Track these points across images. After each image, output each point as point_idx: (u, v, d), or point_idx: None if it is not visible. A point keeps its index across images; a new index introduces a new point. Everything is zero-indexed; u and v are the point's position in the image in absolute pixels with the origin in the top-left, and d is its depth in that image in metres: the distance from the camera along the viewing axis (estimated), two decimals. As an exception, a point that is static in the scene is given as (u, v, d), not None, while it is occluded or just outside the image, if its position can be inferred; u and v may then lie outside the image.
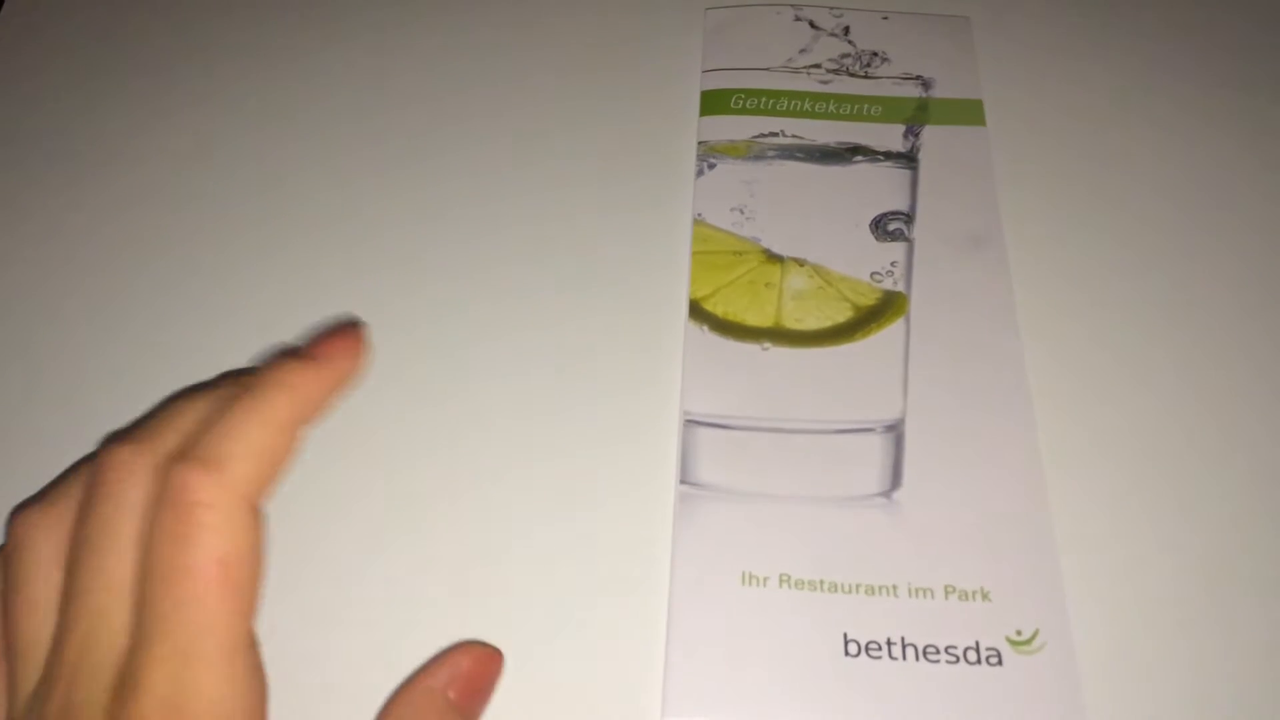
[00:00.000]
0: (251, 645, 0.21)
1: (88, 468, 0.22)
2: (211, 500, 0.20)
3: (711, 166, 0.37)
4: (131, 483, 0.21)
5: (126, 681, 0.20)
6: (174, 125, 0.39)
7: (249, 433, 0.22)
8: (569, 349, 0.33)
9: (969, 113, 0.38)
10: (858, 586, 0.28)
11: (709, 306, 0.34)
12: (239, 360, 0.33)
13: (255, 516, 0.21)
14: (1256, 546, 0.29)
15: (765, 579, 0.28)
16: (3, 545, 0.23)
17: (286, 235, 0.36)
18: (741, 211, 0.36)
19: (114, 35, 0.41)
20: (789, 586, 0.28)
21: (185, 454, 0.21)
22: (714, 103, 0.39)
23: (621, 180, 0.37)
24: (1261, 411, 0.32)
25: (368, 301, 0.34)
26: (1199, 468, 0.31)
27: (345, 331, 0.24)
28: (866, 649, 0.27)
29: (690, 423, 0.31)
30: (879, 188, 0.36)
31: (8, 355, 0.33)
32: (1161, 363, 0.33)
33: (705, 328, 0.33)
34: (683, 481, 0.30)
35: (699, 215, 0.36)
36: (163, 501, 0.21)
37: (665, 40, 0.41)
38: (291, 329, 0.33)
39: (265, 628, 0.22)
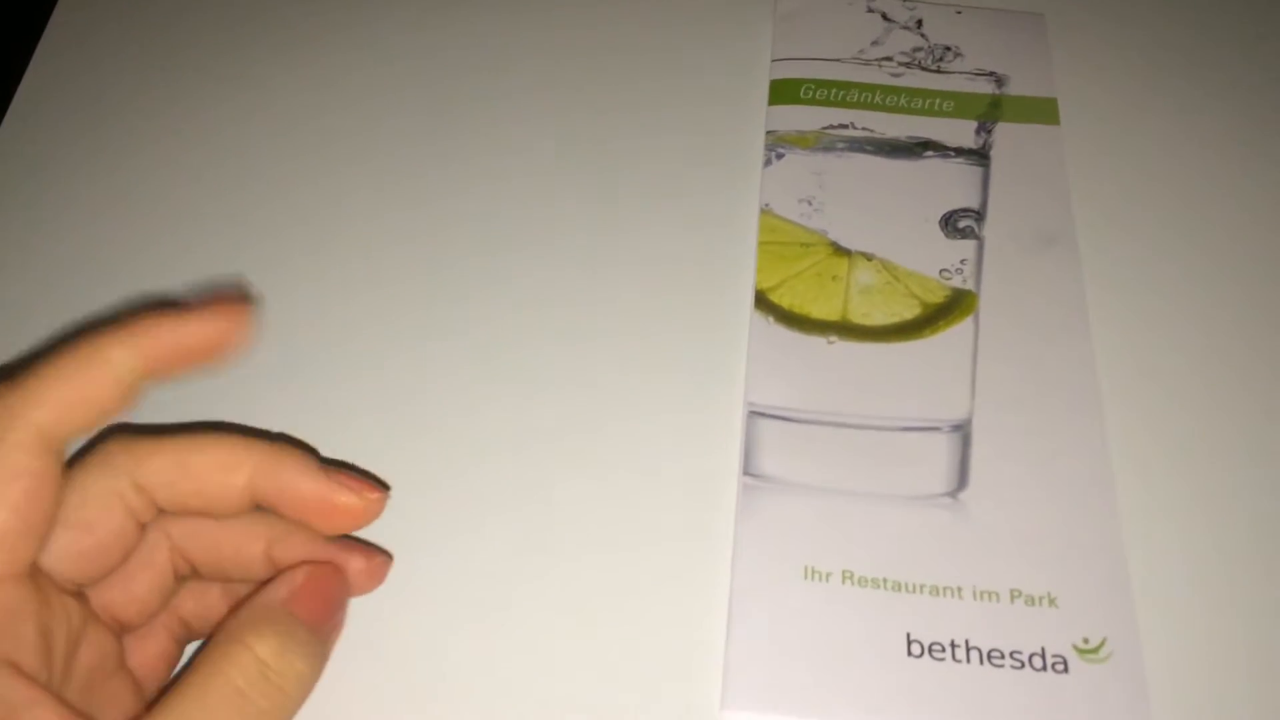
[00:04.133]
0: None
1: None
2: None
3: (780, 156, 0.37)
4: None
5: None
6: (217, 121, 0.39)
7: (62, 368, 0.21)
8: (635, 337, 0.33)
9: (1043, 111, 0.38)
10: (922, 586, 0.28)
11: (775, 298, 0.33)
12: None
13: (40, 451, 0.21)
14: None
15: (828, 574, 0.28)
16: None
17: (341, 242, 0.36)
18: (809, 203, 0.35)
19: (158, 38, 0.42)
20: (852, 583, 0.28)
21: None
22: (783, 92, 0.38)
23: (689, 168, 0.37)
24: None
25: (437, 295, 0.34)
26: (1272, 475, 0.30)
27: (227, 296, 0.23)
28: (930, 650, 0.27)
29: (754, 414, 0.31)
30: (949, 184, 0.36)
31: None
32: (1234, 367, 0.32)
33: (771, 319, 0.33)
34: (746, 473, 0.30)
35: (766, 205, 0.35)
36: None
37: (735, 28, 0.41)
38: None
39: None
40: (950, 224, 0.35)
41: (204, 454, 0.23)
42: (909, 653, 0.27)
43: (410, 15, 0.41)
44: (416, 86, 0.39)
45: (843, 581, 0.28)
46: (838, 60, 0.39)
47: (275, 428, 0.31)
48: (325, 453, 0.30)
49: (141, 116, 0.38)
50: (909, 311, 0.33)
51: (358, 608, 0.25)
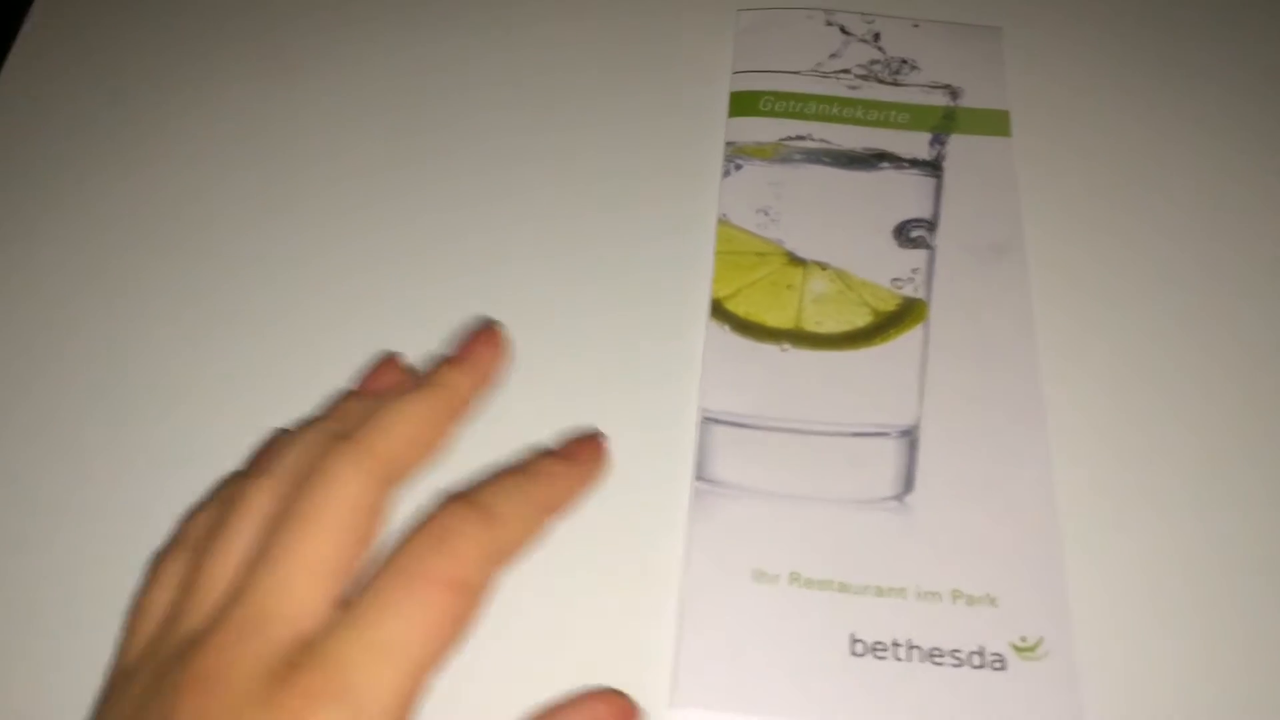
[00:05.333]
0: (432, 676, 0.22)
1: (288, 441, 0.25)
2: (349, 477, 0.23)
3: (738, 168, 0.37)
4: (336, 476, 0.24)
5: (313, 652, 0.21)
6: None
7: (395, 422, 0.25)
8: (594, 344, 0.34)
9: (995, 123, 0.38)
10: (866, 588, 0.29)
11: (730, 306, 0.34)
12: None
13: (386, 489, 0.24)
14: (1266, 559, 0.30)
15: (776, 576, 0.29)
16: (220, 494, 0.26)
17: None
18: (766, 213, 0.36)
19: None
20: (799, 585, 0.29)
21: (342, 434, 0.24)
22: (743, 104, 0.39)
23: (650, 179, 0.38)
24: (1277, 424, 0.32)
25: (393, 303, 0.35)
26: (1211, 481, 0.31)
27: (485, 334, 0.29)
28: (873, 649, 0.28)
29: (708, 420, 0.32)
30: (903, 194, 0.37)
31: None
32: (1176, 376, 0.33)
33: (726, 327, 0.34)
34: (699, 478, 0.31)
35: (724, 215, 0.36)
36: (310, 473, 0.23)
37: (697, 40, 0.42)
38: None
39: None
40: (903, 234, 0.36)
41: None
42: (853, 652, 0.28)
43: (370, 27, 0.42)
44: (377, 97, 0.40)
45: (790, 583, 0.29)
46: (797, 73, 0.40)
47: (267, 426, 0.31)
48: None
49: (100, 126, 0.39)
50: (861, 320, 0.34)
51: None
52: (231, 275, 0.35)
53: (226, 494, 0.25)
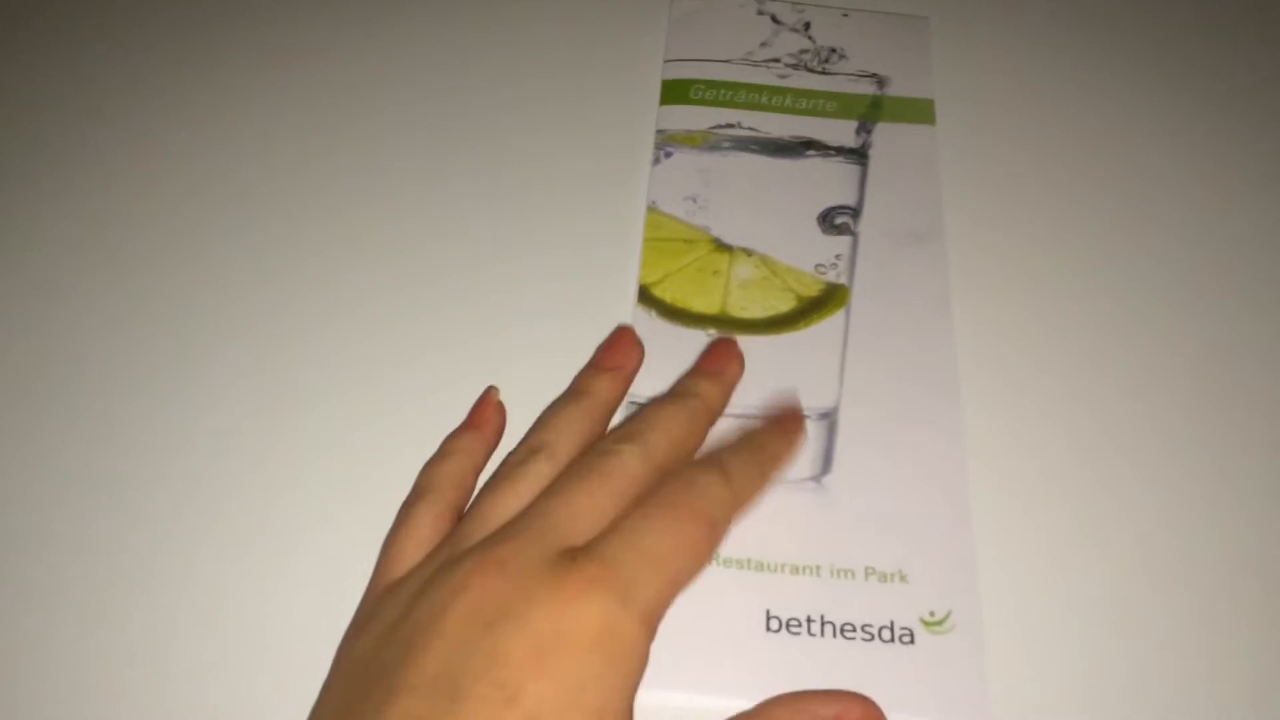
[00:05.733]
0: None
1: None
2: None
3: (668, 155, 0.38)
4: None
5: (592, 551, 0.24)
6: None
7: (663, 424, 0.28)
8: (521, 328, 0.34)
9: (920, 111, 0.39)
10: (783, 566, 0.29)
11: (657, 292, 0.35)
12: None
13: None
14: (1168, 536, 0.31)
15: (696, 556, 0.29)
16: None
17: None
18: (695, 200, 0.37)
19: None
20: (718, 564, 0.30)
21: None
22: (674, 92, 0.40)
23: (581, 165, 0.38)
24: (1183, 408, 0.33)
25: (313, 295, 0.35)
26: (1118, 463, 0.32)
27: (725, 345, 0.32)
28: (787, 625, 0.28)
29: (635, 405, 0.32)
30: (829, 182, 0.38)
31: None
32: (1086, 361, 0.34)
33: (653, 313, 0.34)
34: (622, 461, 0.31)
35: (653, 202, 0.37)
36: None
37: (632, 28, 0.42)
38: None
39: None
40: (828, 221, 0.37)
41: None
42: (768, 628, 0.28)
43: (294, 22, 0.42)
44: (304, 76, 0.40)
45: (711, 562, 0.29)
46: (727, 61, 0.41)
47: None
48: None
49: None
50: (785, 305, 0.35)
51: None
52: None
53: (454, 446, 0.30)
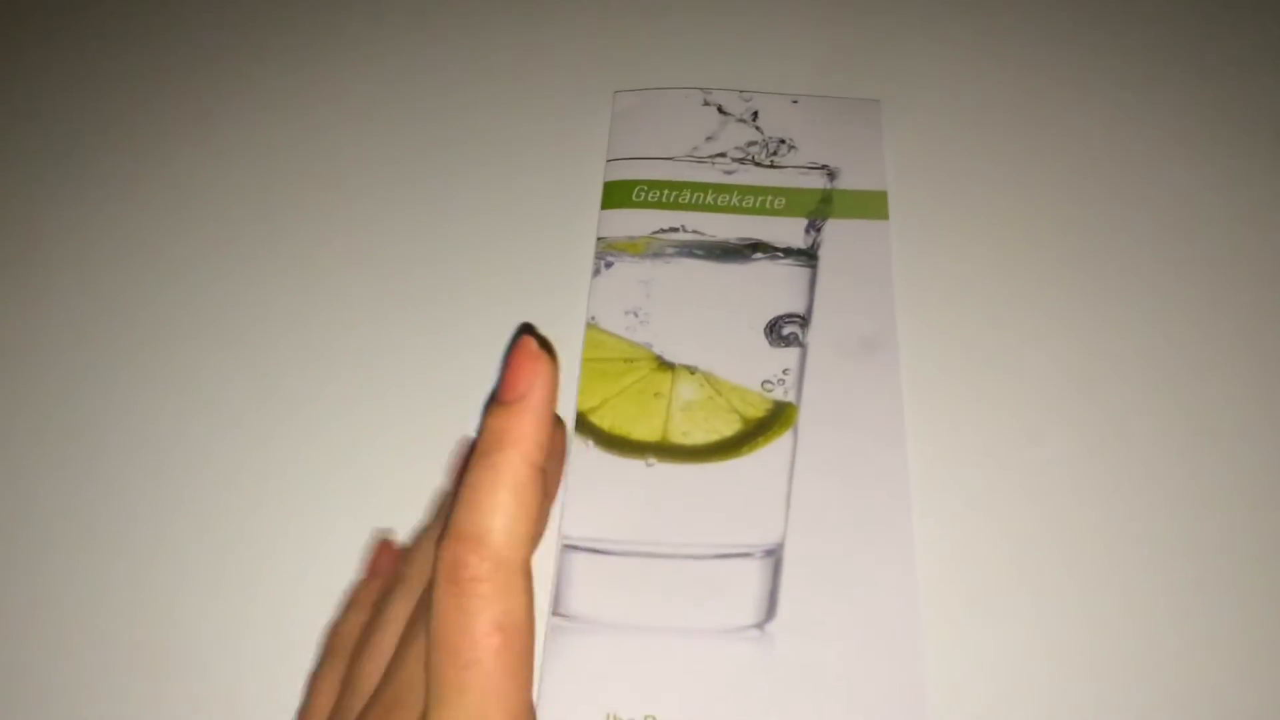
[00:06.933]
0: (531, 714, 0.23)
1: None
2: (483, 574, 0.22)
3: (609, 265, 0.36)
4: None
5: None
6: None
7: (496, 499, 0.23)
8: (446, 468, 0.33)
9: (872, 205, 0.38)
10: (723, 729, 0.28)
11: (596, 419, 0.33)
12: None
13: (525, 579, 0.22)
14: (1138, 660, 0.29)
15: (631, 720, 0.28)
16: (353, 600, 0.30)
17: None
18: (636, 315, 0.35)
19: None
20: (652, 728, 0.28)
21: (450, 533, 0.22)
22: (616, 195, 0.38)
23: (519, 279, 0.37)
24: (1153, 534, 0.31)
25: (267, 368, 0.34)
26: (1090, 601, 0.30)
27: (522, 358, 0.24)
28: (727, 798, 0.27)
29: (568, 548, 0.31)
30: (777, 287, 0.36)
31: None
32: (1053, 484, 0.32)
33: (590, 442, 0.33)
34: (554, 613, 0.30)
35: (593, 318, 0.35)
36: (441, 580, 0.22)
37: (575, 125, 0.41)
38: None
39: None
40: (775, 331, 0.35)
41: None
42: (707, 801, 0.27)
43: (247, 114, 0.41)
44: (249, 181, 0.39)
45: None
46: (671, 159, 0.39)
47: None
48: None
49: None
50: (729, 428, 0.33)
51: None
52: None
53: (354, 599, 0.30)
